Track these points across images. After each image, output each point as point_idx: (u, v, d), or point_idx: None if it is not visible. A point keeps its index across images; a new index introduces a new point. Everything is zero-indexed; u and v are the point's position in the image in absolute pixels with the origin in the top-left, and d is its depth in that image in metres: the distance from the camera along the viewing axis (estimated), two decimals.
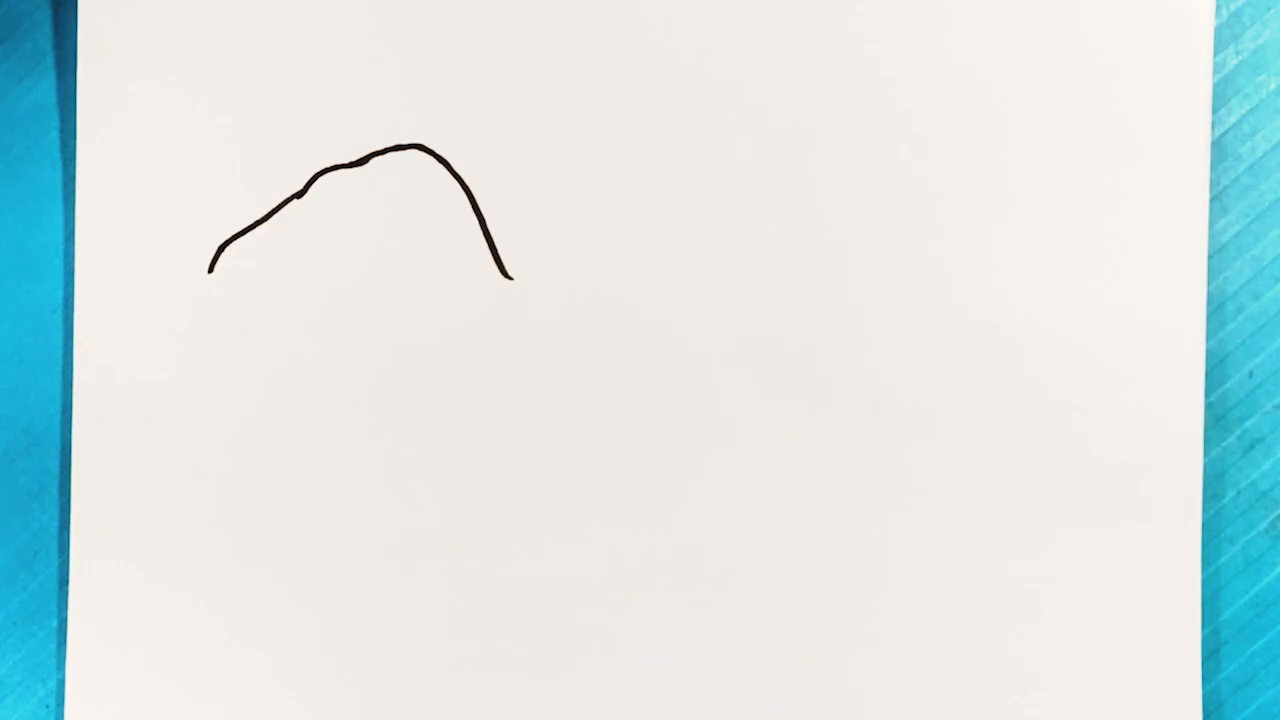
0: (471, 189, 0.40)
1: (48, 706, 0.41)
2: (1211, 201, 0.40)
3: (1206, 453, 0.40)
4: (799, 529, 0.40)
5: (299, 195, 0.40)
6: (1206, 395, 0.39)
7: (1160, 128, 0.39)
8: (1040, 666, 0.39)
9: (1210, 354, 0.40)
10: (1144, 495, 0.39)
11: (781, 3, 0.40)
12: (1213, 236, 0.40)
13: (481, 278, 0.40)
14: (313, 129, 0.40)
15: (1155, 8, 0.39)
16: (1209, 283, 0.40)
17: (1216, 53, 0.40)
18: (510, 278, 0.40)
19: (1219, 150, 0.40)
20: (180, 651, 0.40)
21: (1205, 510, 0.39)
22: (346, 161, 0.40)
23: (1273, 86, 0.40)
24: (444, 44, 0.40)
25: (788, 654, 0.40)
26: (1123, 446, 0.39)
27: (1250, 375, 0.40)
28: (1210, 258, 0.40)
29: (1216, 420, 0.40)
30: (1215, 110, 0.40)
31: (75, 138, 0.40)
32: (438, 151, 0.40)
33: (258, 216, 0.40)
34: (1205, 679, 0.40)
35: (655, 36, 0.40)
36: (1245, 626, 0.40)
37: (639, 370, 0.40)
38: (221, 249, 0.40)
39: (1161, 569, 0.39)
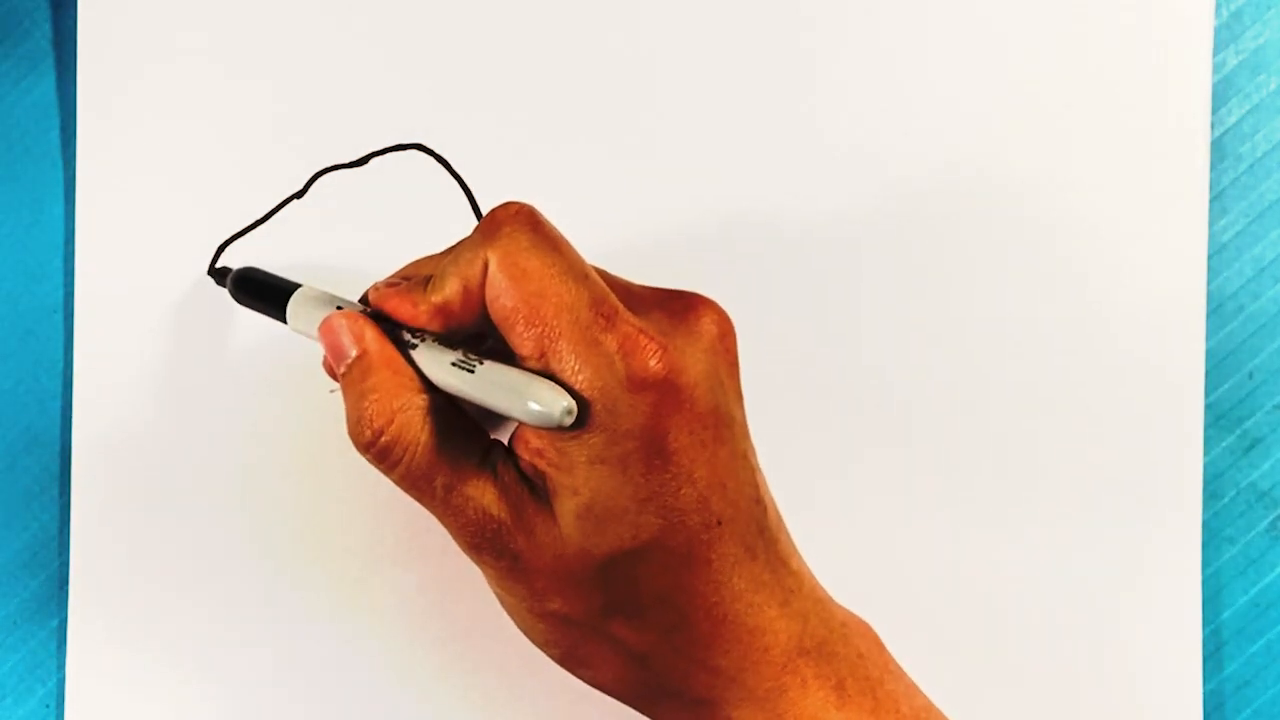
0: (471, 189, 0.40)
1: (48, 706, 0.41)
2: (1211, 201, 0.40)
3: (1206, 453, 0.40)
4: (799, 527, 0.40)
5: (299, 195, 0.40)
6: (1206, 395, 0.40)
7: (1160, 128, 0.39)
8: (1040, 666, 0.39)
9: (1210, 354, 0.40)
10: (1144, 495, 0.39)
11: (782, 3, 0.40)
12: (1213, 236, 0.40)
13: None
14: (313, 129, 0.40)
15: (1155, 8, 0.39)
16: (1209, 283, 0.40)
17: (1216, 53, 0.40)
18: None
19: (1219, 150, 0.40)
20: (180, 652, 0.40)
21: (1205, 510, 0.39)
22: (346, 161, 0.40)
23: (1273, 86, 0.40)
24: (444, 44, 0.40)
25: None
26: (1123, 446, 0.39)
27: (1250, 375, 0.40)
28: (1210, 258, 0.40)
29: (1216, 420, 0.40)
30: (1215, 110, 0.40)
31: (75, 138, 0.40)
32: (438, 151, 0.40)
33: (258, 216, 0.40)
34: (1205, 679, 0.40)
35: (655, 37, 0.40)
36: (1245, 626, 0.40)
37: None
38: (221, 249, 0.40)
39: (1161, 569, 0.39)
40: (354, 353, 0.31)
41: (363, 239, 0.40)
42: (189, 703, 0.40)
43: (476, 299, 0.30)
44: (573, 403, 0.28)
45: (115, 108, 0.40)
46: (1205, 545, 0.39)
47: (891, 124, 0.40)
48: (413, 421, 0.30)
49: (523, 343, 0.29)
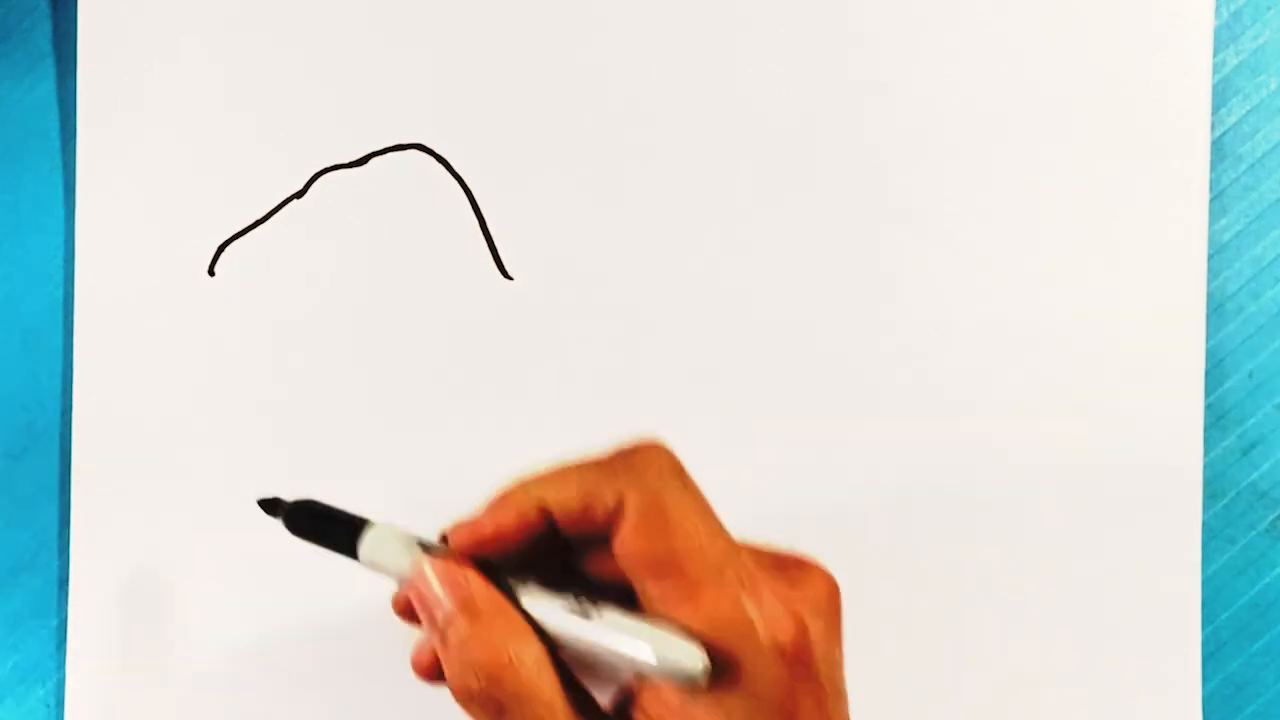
0: (471, 189, 0.40)
1: (48, 706, 0.41)
2: (1211, 201, 0.40)
3: (1206, 453, 0.40)
4: (799, 526, 0.40)
5: (299, 195, 0.40)
6: (1206, 395, 0.39)
7: (1160, 128, 0.39)
8: (1040, 666, 0.39)
9: (1210, 354, 0.40)
10: (1144, 495, 0.39)
11: (782, 4, 0.40)
12: (1213, 236, 0.40)
13: (481, 278, 0.40)
14: (313, 129, 0.40)
15: (1155, 8, 0.39)
16: (1209, 283, 0.40)
17: (1216, 53, 0.40)
18: (510, 278, 0.40)
19: (1219, 150, 0.40)
20: (179, 652, 0.40)
21: (1205, 510, 0.39)
22: (346, 161, 0.40)
23: (1273, 86, 0.40)
24: (443, 44, 0.40)
25: None
26: (1123, 446, 0.39)
27: (1250, 375, 0.40)
28: (1210, 258, 0.40)
29: (1216, 420, 0.40)
30: (1215, 110, 0.40)
31: (75, 138, 0.40)
32: (438, 151, 0.40)
33: (258, 216, 0.40)
34: (1205, 679, 0.40)
35: (655, 37, 0.40)
36: (1245, 626, 0.40)
37: (639, 370, 0.40)
38: (221, 249, 0.40)
39: (1161, 569, 0.39)
40: (450, 602, 0.29)
41: (363, 239, 0.40)
42: (188, 703, 0.40)
43: (593, 523, 0.29)
44: (707, 658, 0.27)
45: (115, 107, 0.40)
46: (1205, 545, 0.39)
47: (888, 124, 0.40)
48: (531, 672, 0.28)
49: (657, 590, 0.28)
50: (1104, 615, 0.39)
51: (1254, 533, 0.40)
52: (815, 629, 0.29)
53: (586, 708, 0.28)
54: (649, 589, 0.28)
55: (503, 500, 0.30)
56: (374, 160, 0.40)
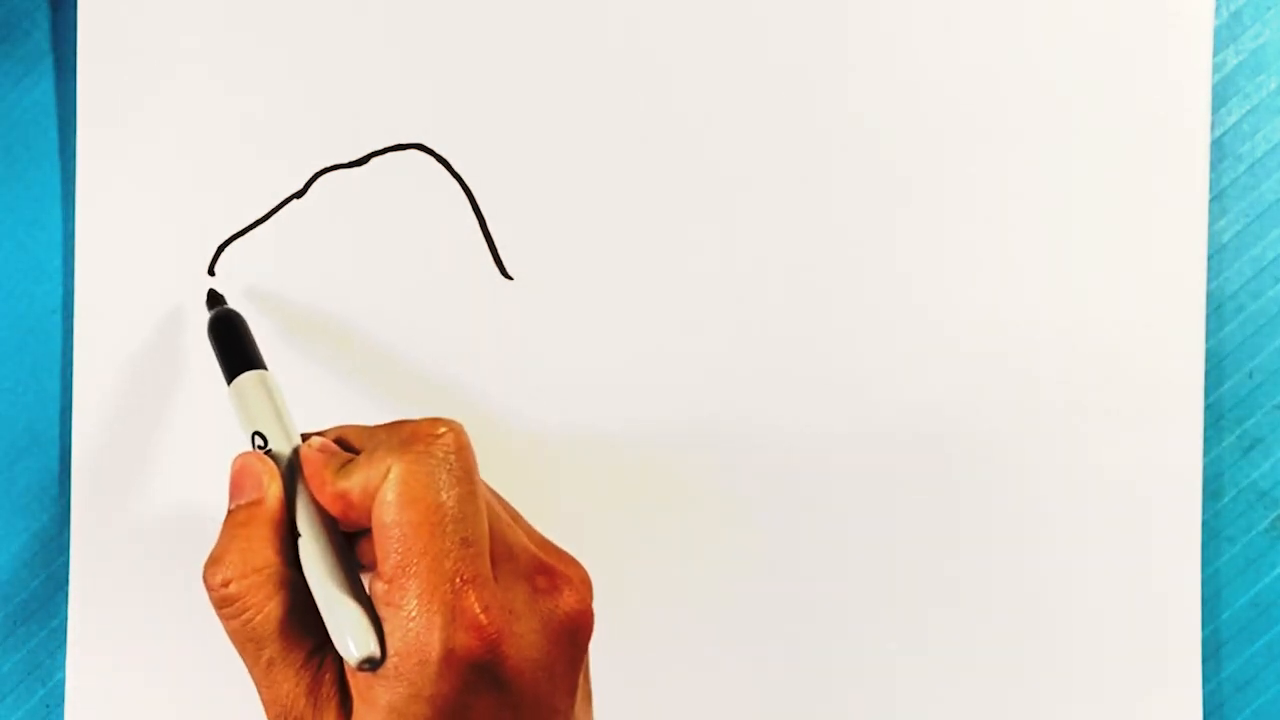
0: (471, 189, 0.40)
1: (48, 706, 0.41)
2: (1211, 201, 0.40)
3: (1206, 453, 0.40)
4: (800, 527, 0.40)
5: (299, 195, 0.40)
6: (1206, 395, 0.40)
7: (1160, 128, 0.39)
8: (1041, 665, 0.39)
9: (1210, 354, 0.40)
10: (1144, 495, 0.39)
11: (783, 4, 0.40)
12: (1213, 236, 0.40)
13: (481, 278, 0.40)
14: (313, 129, 0.40)
15: (1155, 8, 0.39)
16: (1209, 283, 0.40)
17: (1216, 53, 0.40)
18: (510, 278, 0.40)
19: (1219, 150, 0.40)
20: (180, 652, 0.40)
21: (1205, 510, 0.39)
22: (346, 161, 0.40)
23: (1273, 86, 0.40)
24: (444, 44, 0.40)
25: (787, 649, 0.40)
26: (1123, 447, 0.39)
27: (1250, 375, 0.40)
28: (1210, 258, 0.40)
29: (1216, 420, 0.40)
30: (1215, 110, 0.40)
31: (75, 138, 0.40)
32: (438, 151, 0.40)
33: (258, 216, 0.40)
34: (1205, 679, 0.40)
35: (655, 37, 0.40)
36: (1245, 626, 0.40)
37: (638, 370, 0.40)
38: (221, 249, 0.40)
39: (1161, 569, 0.39)
40: (247, 500, 0.32)
41: (363, 239, 0.40)
42: (189, 703, 0.40)
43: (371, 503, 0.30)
44: (375, 651, 0.28)
45: (114, 108, 0.40)
46: (1205, 545, 0.39)
47: (887, 125, 0.40)
48: (265, 588, 0.30)
49: (382, 561, 0.29)
50: (1104, 615, 0.39)
51: (1254, 533, 0.40)
52: (529, 644, 0.29)
53: (307, 642, 0.30)
54: (377, 555, 0.29)
55: (318, 469, 0.31)
56: (374, 160, 0.40)
